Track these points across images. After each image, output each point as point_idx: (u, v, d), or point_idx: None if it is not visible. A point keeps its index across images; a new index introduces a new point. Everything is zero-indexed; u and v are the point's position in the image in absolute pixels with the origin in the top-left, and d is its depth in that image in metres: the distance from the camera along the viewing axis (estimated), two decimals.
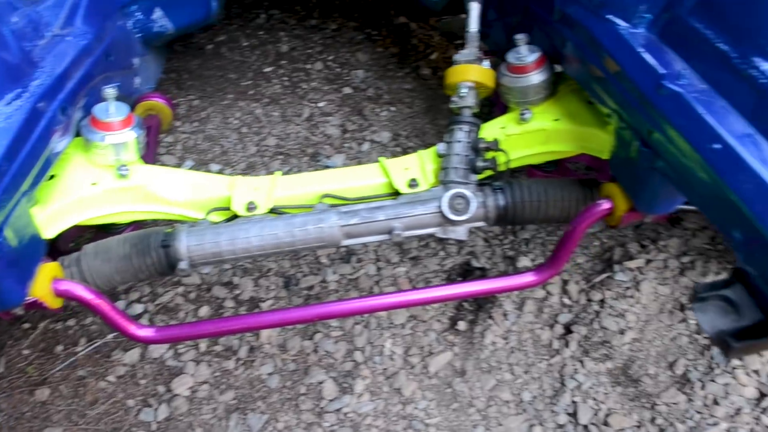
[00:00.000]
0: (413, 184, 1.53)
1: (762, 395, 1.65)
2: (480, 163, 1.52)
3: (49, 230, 1.36)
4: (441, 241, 1.97)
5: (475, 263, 1.92)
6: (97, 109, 1.45)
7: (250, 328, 1.48)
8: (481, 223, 1.53)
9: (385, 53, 2.58)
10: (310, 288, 1.87)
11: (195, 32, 2.66)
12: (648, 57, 1.26)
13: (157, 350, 1.74)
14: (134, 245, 1.43)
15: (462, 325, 1.79)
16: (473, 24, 1.65)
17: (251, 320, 1.45)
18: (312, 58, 2.56)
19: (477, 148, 1.53)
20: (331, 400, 1.65)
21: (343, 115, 2.33)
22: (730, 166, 1.06)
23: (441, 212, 1.47)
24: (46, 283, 1.27)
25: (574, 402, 1.65)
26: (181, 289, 1.87)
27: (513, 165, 1.63)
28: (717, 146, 1.08)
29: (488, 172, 1.57)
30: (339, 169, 1.64)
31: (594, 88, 1.43)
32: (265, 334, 1.75)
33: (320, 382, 1.68)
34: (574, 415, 1.63)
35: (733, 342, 1.00)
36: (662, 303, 1.84)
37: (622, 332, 1.77)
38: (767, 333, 1.00)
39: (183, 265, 1.43)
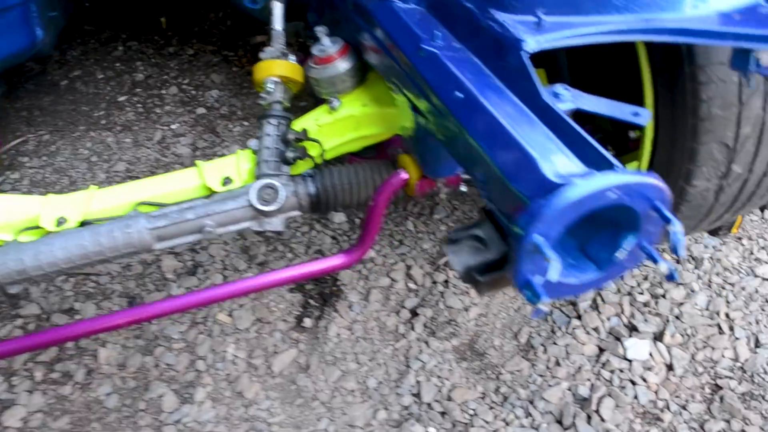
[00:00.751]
0: (227, 181, 1.52)
1: (601, 351, 1.68)
2: (290, 154, 1.54)
3: None
4: (287, 243, 1.96)
5: None
6: None
7: (60, 339, 1.43)
8: (296, 213, 1.53)
9: (240, 72, 2.60)
10: None
11: (49, 69, 2.63)
12: (413, 26, 1.30)
13: None
14: None
15: (308, 322, 1.77)
16: (277, 23, 1.68)
17: (62, 332, 1.40)
18: (167, 84, 2.56)
19: (287, 140, 1.55)
20: (170, 413, 1.60)
21: (195, 135, 2.33)
22: (469, 111, 1.09)
23: (251, 204, 1.47)
24: None
25: (418, 382, 1.64)
26: (19, 321, 1.80)
27: (331, 155, 1.64)
28: (459, 95, 1.12)
29: (308, 164, 1.58)
30: (156, 176, 1.63)
31: (381, 68, 1.46)
32: (103, 354, 1.70)
33: (160, 396, 1.63)
34: (418, 395, 1.62)
35: (478, 276, 1.02)
36: None
37: (467, 309, 1.79)
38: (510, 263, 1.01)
39: None
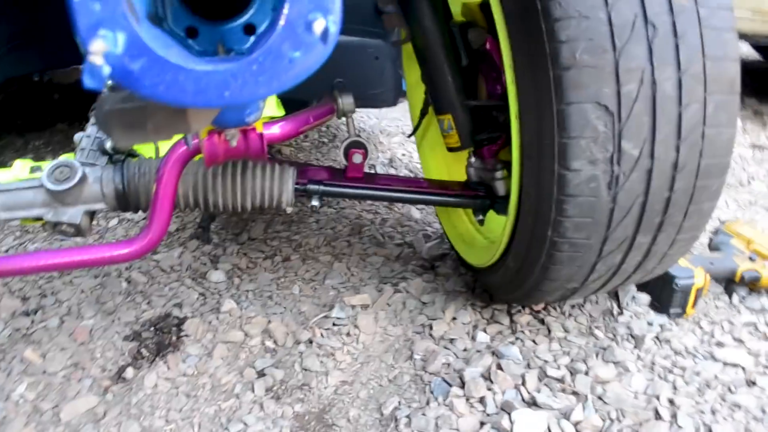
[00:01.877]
0: (35, 169, 1.34)
1: (482, 425, 1.22)
2: (109, 143, 1.35)
3: None
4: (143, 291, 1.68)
5: (176, 313, 1.60)
6: None
7: None
8: (99, 205, 1.30)
9: None
10: None
11: (6, 152, 2.65)
12: None
13: None
14: None
15: (130, 373, 1.42)
16: None
17: None
18: None
19: None
20: None
21: None
22: None
23: (42, 185, 1.25)
24: None
25: None
26: None
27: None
28: None
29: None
30: None
31: None
32: None
33: None
34: None
35: (107, 106, 0.71)
36: (390, 343, 1.49)
37: (326, 374, 1.40)
38: None
39: None
